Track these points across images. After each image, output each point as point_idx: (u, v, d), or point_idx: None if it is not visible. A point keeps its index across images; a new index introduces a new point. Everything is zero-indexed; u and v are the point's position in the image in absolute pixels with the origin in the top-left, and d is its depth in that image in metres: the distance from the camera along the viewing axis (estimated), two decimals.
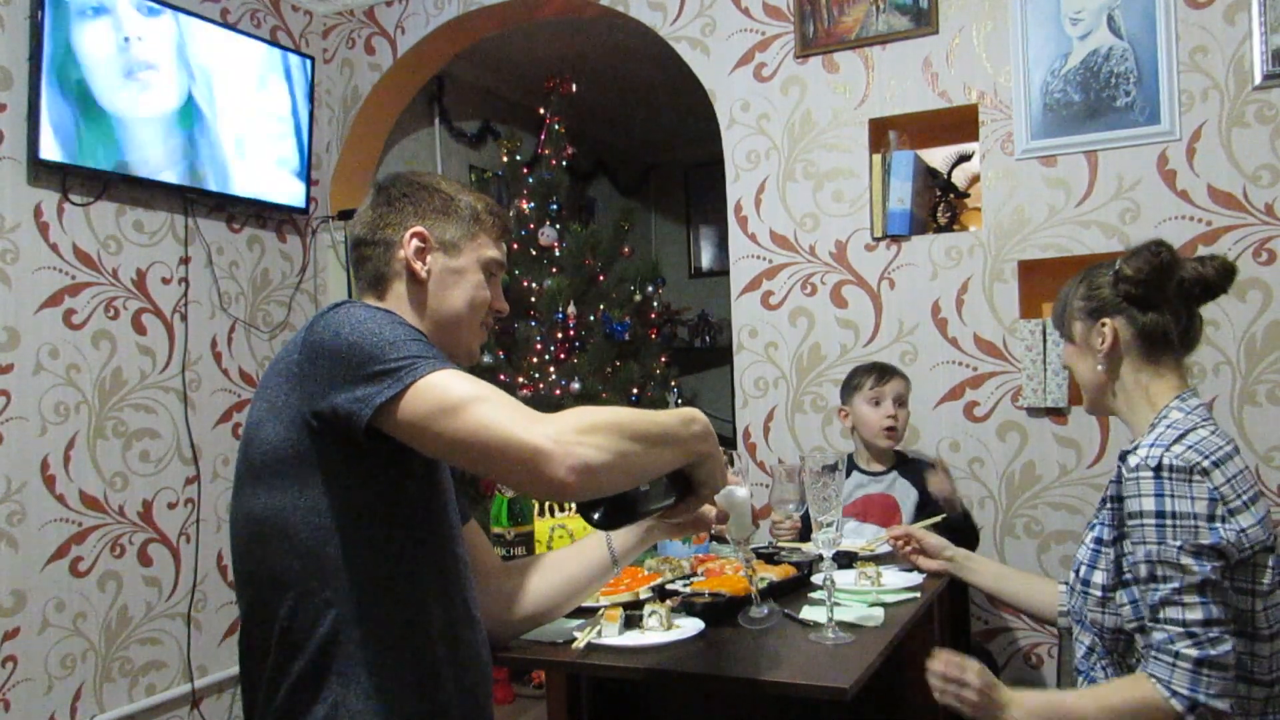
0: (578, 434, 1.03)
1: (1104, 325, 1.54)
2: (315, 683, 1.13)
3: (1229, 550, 1.35)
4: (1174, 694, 1.32)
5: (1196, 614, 1.33)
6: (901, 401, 2.44)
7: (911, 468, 2.51)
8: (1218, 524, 1.34)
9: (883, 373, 2.46)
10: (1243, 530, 1.35)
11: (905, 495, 2.44)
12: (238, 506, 1.21)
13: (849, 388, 2.50)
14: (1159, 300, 1.52)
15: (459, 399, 1.05)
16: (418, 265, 1.30)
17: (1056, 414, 2.64)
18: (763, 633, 1.54)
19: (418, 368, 1.07)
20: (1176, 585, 1.34)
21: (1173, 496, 1.35)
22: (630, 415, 1.11)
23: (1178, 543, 1.35)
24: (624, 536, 1.51)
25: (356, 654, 1.14)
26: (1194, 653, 1.32)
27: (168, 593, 2.93)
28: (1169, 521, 1.35)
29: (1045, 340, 2.62)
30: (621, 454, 1.07)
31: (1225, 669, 1.31)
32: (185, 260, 3.03)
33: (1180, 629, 1.33)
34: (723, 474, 1.27)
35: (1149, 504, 1.37)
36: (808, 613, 1.66)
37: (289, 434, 1.14)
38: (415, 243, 1.30)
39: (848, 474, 2.48)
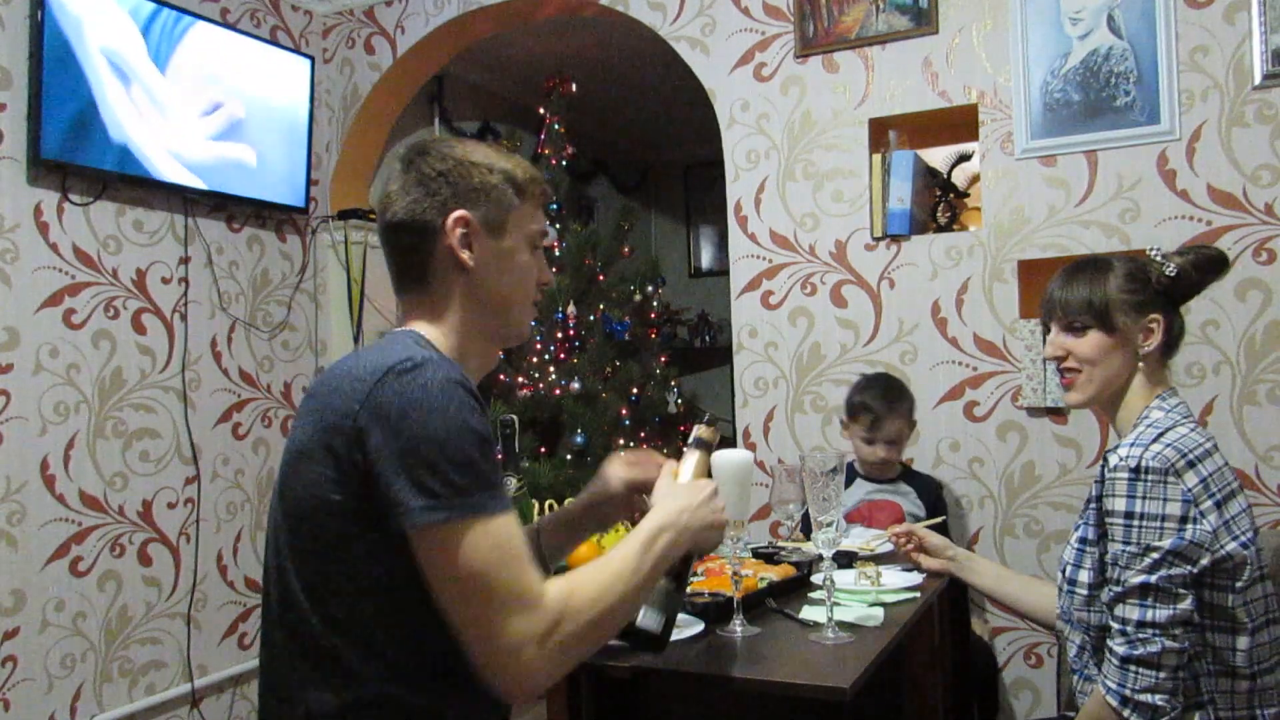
0: (551, 657, 1.08)
1: (1154, 321, 1.55)
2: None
3: (1195, 552, 1.38)
4: (1108, 689, 1.40)
5: (1133, 614, 1.39)
6: (895, 441, 2.45)
7: (917, 479, 2.51)
8: (1189, 525, 1.38)
9: (878, 418, 2.43)
10: (1214, 530, 1.39)
11: (911, 504, 2.43)
12: (274, 539, 1.18)
13: (848, 411, 2.51)
14: (1188, 299, 1.57)
15: (465, 574, 1.06)
16: (464, 255, 1.23)
17: (1056, 414, 2.64)
18: (762, 633, 1.54)
19: (459, 507, 1.06)
20: (1123, 586, 1.40)
21: (1144, 498, 1.39)
22: (607, 604, 1.13)
23: (1135, 545, 1.40)
24: (550, 539, 1.52)
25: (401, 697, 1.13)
26: (1121, 650, 1.39)
27: (168, 592, 2.93)
28: (1135, 522, 1.40)
29: (1045, 340, 2.61)
30: (586, 655, 1.14)
31: (1154, 667, 1.37)
32: (185, 260, 3.03)
33: (1119, 626, 1.40)
34: (715, 533, 1.30)
35: (1120, 504, 1.41)
36: (808, 613, 1.66)
37: (331, 479, 1.11)
38: (460, 230, 1.22)
39: (850, 481, 2.49)
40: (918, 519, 2.38)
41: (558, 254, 3.86)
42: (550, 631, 1.07)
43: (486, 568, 1.06)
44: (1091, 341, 1.57)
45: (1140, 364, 1.55)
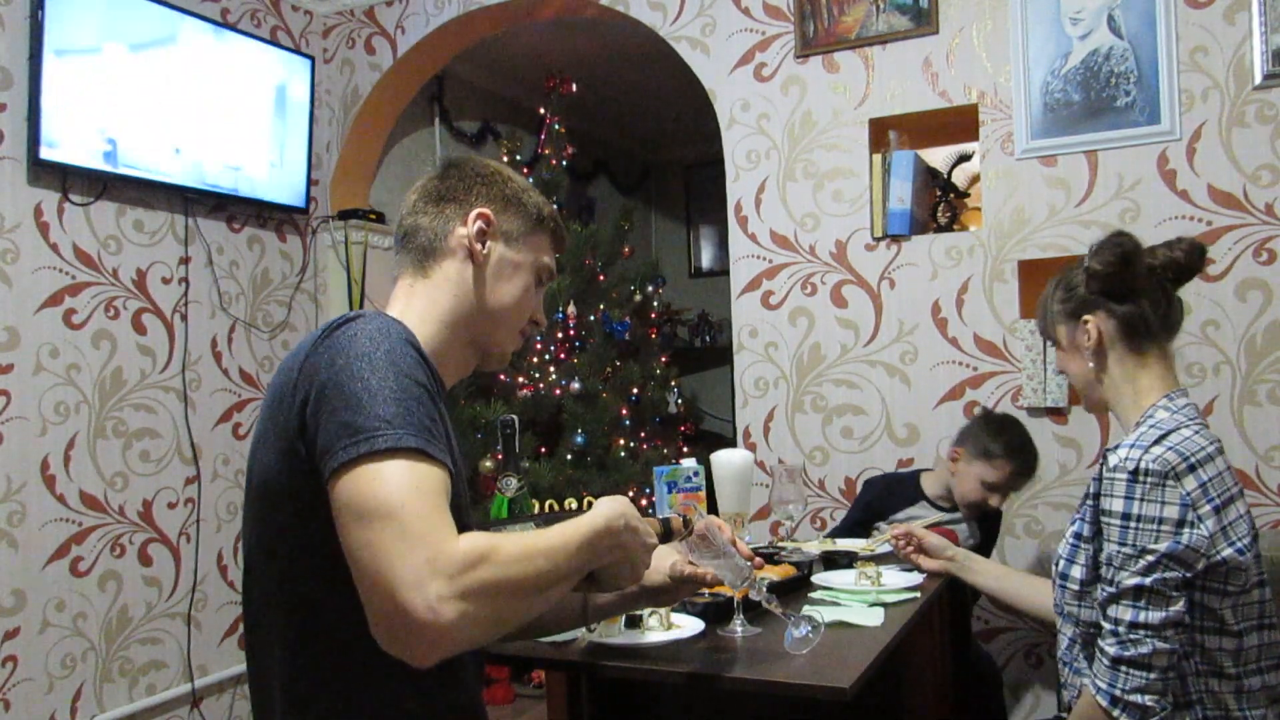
0: (461, 600, 0.91)
1: (1086, 323, 1.58)
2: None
3: (1191, 556, 1.38)
4: (1098, 689, 1.41)
5: (1126, 615, 1.39)
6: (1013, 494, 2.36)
7: (977, 510, 2.47)
8: (1186, 530, 1.38)
9: (1024, 474, 2.31)
10: (1210, 535, 1.38)
11: (968, 535, 2.40)
12: (244, 530, 1.18)
13: (981, 450, 2.29)
14: (1132, 289, 1.56)
15: (375, 506, 0.94)
16: (477, 246, 1.25)
17: (1056, 414, 2.64)
18: (762, 633, 1.54)
19: (378, 437, 0.97)
20: (1117, 587, 1.40)
21: (1142, 500, 1.39)
22: (529, 568, 0.99)
23: (1130, 546, 1.40)
24: (601, 596, 1.42)
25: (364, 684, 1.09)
26: (1112, 650, 1.39)
27: (168, 592, 2.93)
28: (1132, 524, 1.40)
29: (1045, 340, 2.61)
30: (499, 622, 0.97)
31: (1145, 668, 1.37)
32: (185, 260, 3.03)
33: (1111, 626, 1.41)
34: (633, 571, 1.18)
35: (1118, 505, 1.41)
36: (807, 612, 1.66)
37: (282, 459, 1.07)
38: (479, 224, 1.26)
39: (914, 501, 2.43)
40: (975, 548, 2.35)
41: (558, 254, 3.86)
42: (464, 570, 0.92)
43: (399, 502, 0.94)
44: (1058, 355, 1.67)
45: (1092, 363, 1.57)
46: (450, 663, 1.15)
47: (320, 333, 1.09)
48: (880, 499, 2.47)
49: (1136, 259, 1.55)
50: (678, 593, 1.43)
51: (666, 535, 1.30)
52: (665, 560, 1.38)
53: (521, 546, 0.99)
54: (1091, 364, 1.57)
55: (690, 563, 1.38)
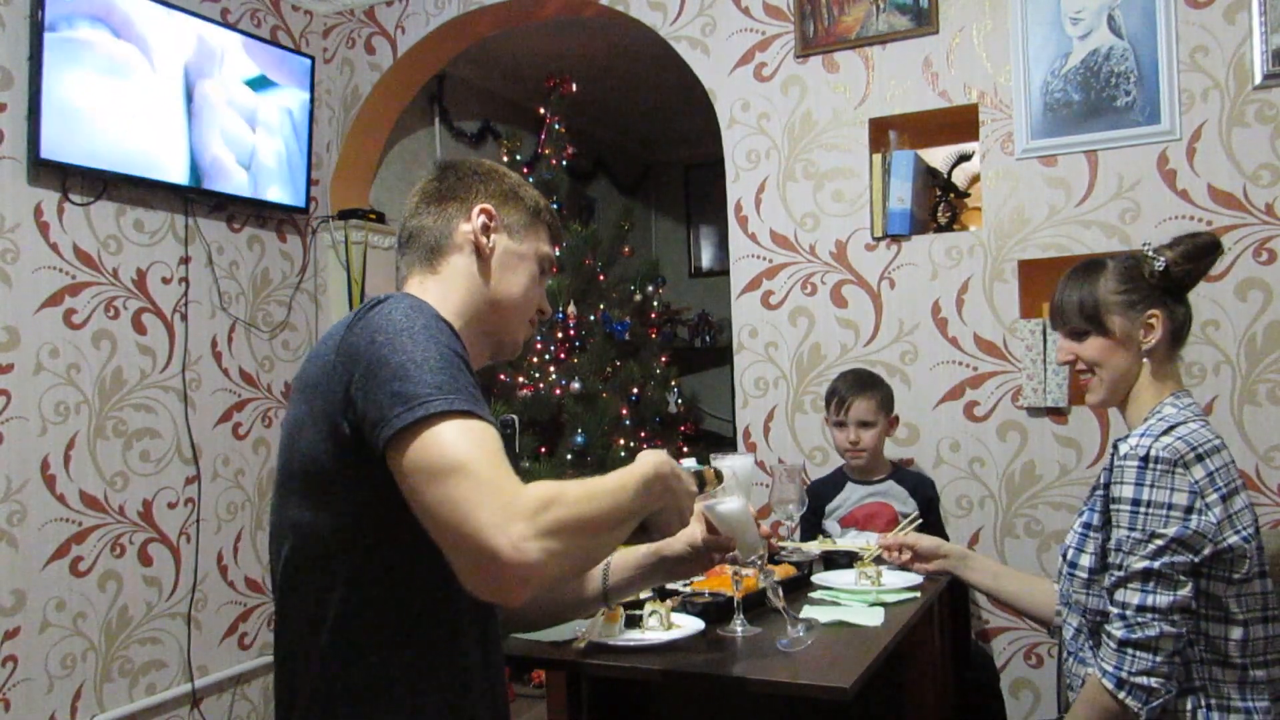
0: (543, 538, 0.96)
1: (1152, 317, 1.56)
2: (348, 699, 1.12)
3: (1198, 541, 1.40)
4: (1104, 672, 1.42)
5: (1134, 599, 1.41)
6: (866, 422, 2.44)
7: (908, 477, 2.51)
8: (1194, 515, 1.40)
9: (844, 397, 2.45)
10: (1218, 522, 1.41)
11: (903, 503, 2.43)
12: (280, 515, 1.18)
13: (825, 402, 2.55)
14: (1186, 291, 1.58)
15: (444, 464, 0.98)
16: (483, 240, 1.29)
17: (1056, 414, 2.64)
18: (763, 633, 1.54)
19: (431, 402, 1.01)
20: (1125, 571, 1.42)
21: (1152, 486, 1.42)
22: (597, 506, 1.05)
23: (1140, 531, 1.41)
24: (619, 574, 1.48)
25: (389, 669, 1.12)
26: (1120, 633, 1.41)
27: (168, 592, 2.93)
28: (1141, 509, 1.42)
29: (1045, 340, 2.62)
30: (579, 558, 1.04)
31: (1152, 651, 1.39)
32: (185, 260, 3.03)
33: (1118, 611, 1.42)
34: (680, 517, 1.25)
35: (1128, 491, 1.43)
36: (807, 612, 1.66)
37: (326, 441, 1.09)
38: (482, 218, 1.30)
39: (840, 485, 2.52)
40: (922, 521, 2.37)
41: (558, 254, 3.86)
42: (540, 511, 0.97)
43: (467, 457, 0.98)
44: (1092, 345, 1.59)
45: (1145, 360, 1.56)
46: (481, 650, 1.20)
47: (353, 316, 1.12)
48: (816, 496, 2.57)
49: (1211, 262, 1.57)
50: (697, 564, 1.46)
51: (700, 487, 1.34)
52: (687, 531, 1.41)
53: (585, 488, 1.06)
54: (1146, 360, 1.56)
55: (711, 529, 1.43)
